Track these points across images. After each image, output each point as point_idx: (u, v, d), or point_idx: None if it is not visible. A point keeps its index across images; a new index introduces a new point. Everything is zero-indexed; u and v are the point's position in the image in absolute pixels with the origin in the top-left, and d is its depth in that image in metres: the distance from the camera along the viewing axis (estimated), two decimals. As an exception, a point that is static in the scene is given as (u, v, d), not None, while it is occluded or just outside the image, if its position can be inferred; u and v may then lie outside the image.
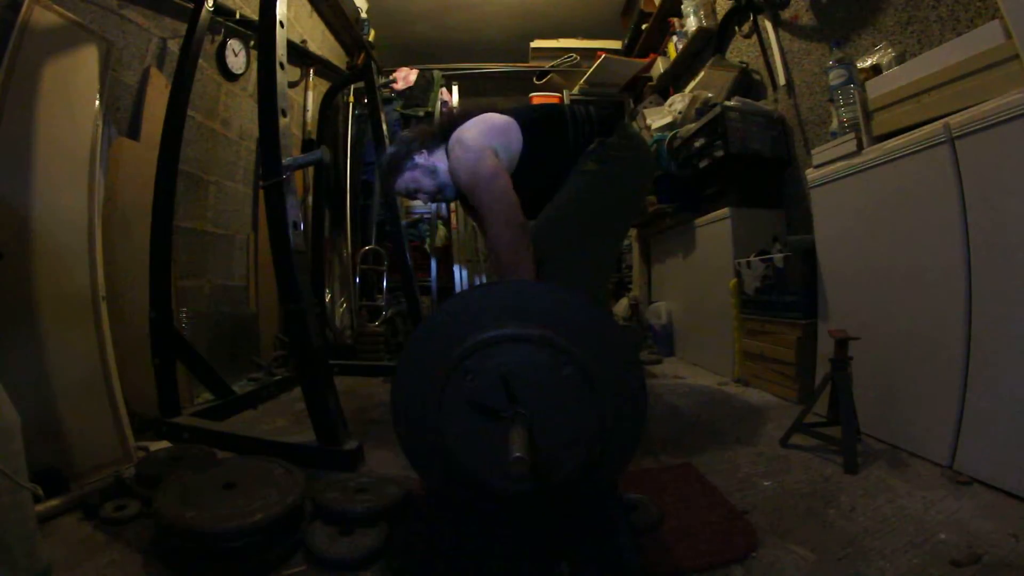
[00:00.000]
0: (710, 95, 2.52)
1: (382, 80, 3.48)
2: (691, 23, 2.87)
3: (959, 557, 0.81)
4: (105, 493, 1.06)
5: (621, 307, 3.30)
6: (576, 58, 4.07)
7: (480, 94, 4.37)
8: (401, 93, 3.77)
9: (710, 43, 2.83)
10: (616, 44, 4.13)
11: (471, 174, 1.24)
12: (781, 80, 2.22)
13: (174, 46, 1.90)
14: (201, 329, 2.04)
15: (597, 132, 1.34)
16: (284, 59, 1.33)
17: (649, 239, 3.31)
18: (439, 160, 1.39)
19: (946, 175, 1.15)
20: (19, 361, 1.10)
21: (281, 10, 1.33)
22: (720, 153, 2.16)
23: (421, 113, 3.86)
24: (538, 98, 3.98)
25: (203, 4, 1.67)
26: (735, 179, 2.20)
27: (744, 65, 2.52)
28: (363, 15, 3.69)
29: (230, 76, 2.33)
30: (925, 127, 1.21)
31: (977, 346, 1.10)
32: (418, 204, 3.98)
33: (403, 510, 0.98)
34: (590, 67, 3.81)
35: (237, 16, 2.19)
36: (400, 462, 1.32)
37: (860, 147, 1.43)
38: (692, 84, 2.76)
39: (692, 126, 2.43)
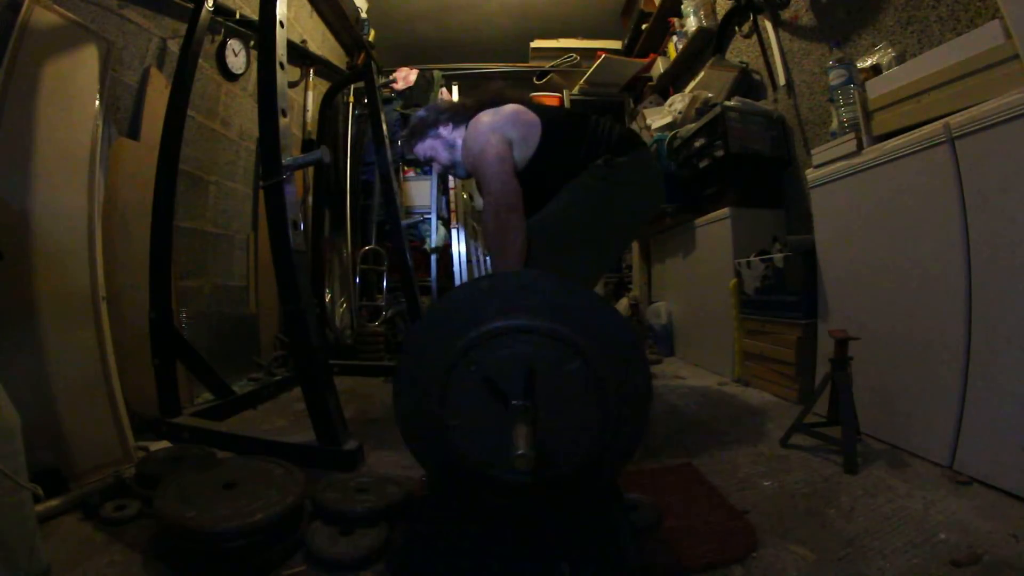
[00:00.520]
0: (710, 95, 2.52)
1: (382, 80, 3.48)
2: (691, 23, 2.88)
3: (959, 557, 0.81)
4: (105, 493, 1.06)
5: (621, 307, 3.30)
6: (576, 58, 4.07)
7: (480, 94, 4.36)
8: (401, 93, 3.77)
9: (710, 43, 2.83)
10: (616, 44, 4.13)
11: (479, 151, 1.28)
12: (781, 80, 2.22)
13: (174, 46, 1.90)
14: (201, 329, 2.04)
15: (610, 150, 1.33)
16: (284, 59, 1.33)
17: (649, 239, 3.31)
18: (460, 137, 1.43)
19: (946, 175, 1.15)
20: (19, 361, 1.10)
21: (281, 10, 1.33)
22: (720, 153, 2.16)
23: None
24: (538, 98, 3.98)
25: (203, 4, 1.67)
26: (735, 179, 2.20)
27: (744, 65, 2.52)
28: (363, 15, 3.69)
29: (230, 76, 2.33)
30: (925, 127, 1.21)
31: (977, 346, 1.10)
32: (418, 204, 3.99)
33: (403, 510, 0.98)
34: (590, 67, 3.81)
35: (237, 16, 2.19)
36: (400, 462, 1.32)
37: (860, 147, 1.43)
38: (692, 84, 2.76)
39: (692, 126, 2.43)
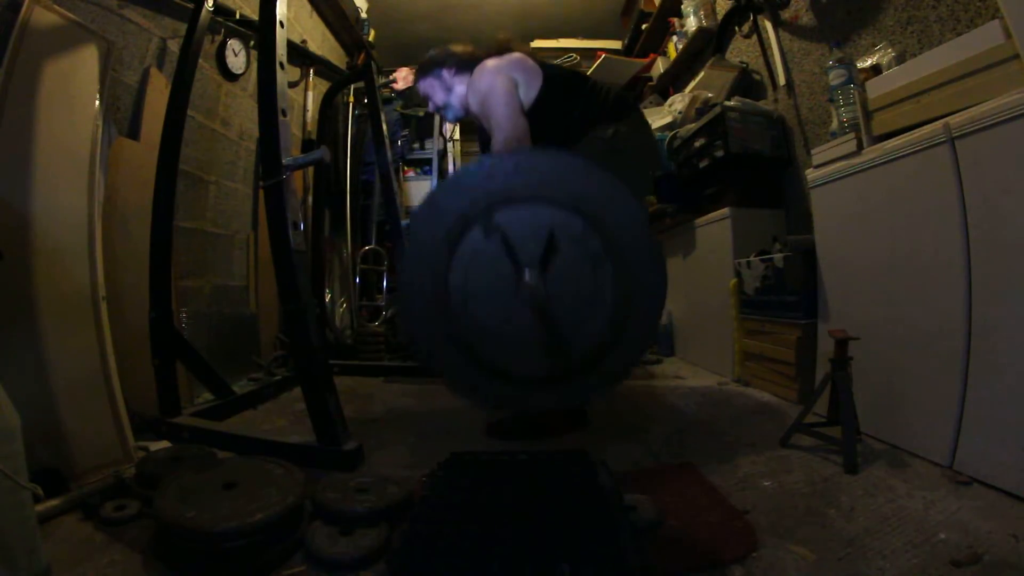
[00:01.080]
0: (710, 95, 2.52)
1: (382, 80, 3.48)
2: (691, 23, 2.87)
3: (959, 557, 0.81)
4: (105, 493, 1.06)
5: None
6: (576, 58, 4.06)
7: (480, 94, 4.36)
8: (401, 93, 3.77)
9: (710, 43, 2.83)
10: (616, 44, 4.13)
11: (487, 89, 1.37)
12: (781, 80, 2.22)
13: (174, 46, 1.90)
14: (201, 329, 2.04)
15: (606, 113, 1.42)
16: (284, 59, 1.33)
17: (649, 239, 3.30)
18: (459, 84, 1.53)
19: (946, 175, 1.15)
20: (19, 361, 1.10)
21: (281, 10, 1.33)
22: (720, 153, 2.16)
23: (421, 113, 3.86)
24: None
25: (203, 4, 1.67)
26: (735, 179, 2.20)
27: (744, 65, 2.52)
28: (363, 15, 3.69)
29: (230, 76, 2.33)
30: (925, 127, 1.21)
31: (977, 345, 1.10)
32: (418, 204, 3.98)
33: (403, 510, 0.98)
34: (590, 67, 3.80)
35: (237, 16, 2.19)
36: (400, 462, 1.32)
37: (860, 147, 1.43)
38: (692, 84, 2.76)
39: (692, 126, 2.43)
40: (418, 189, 4.03)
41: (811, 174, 1.64)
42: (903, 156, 1.27)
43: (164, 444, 1.37)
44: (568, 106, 1.44)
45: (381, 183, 2.90)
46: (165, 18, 1.91)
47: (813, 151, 1.67)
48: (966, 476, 1.07)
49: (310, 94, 3.08)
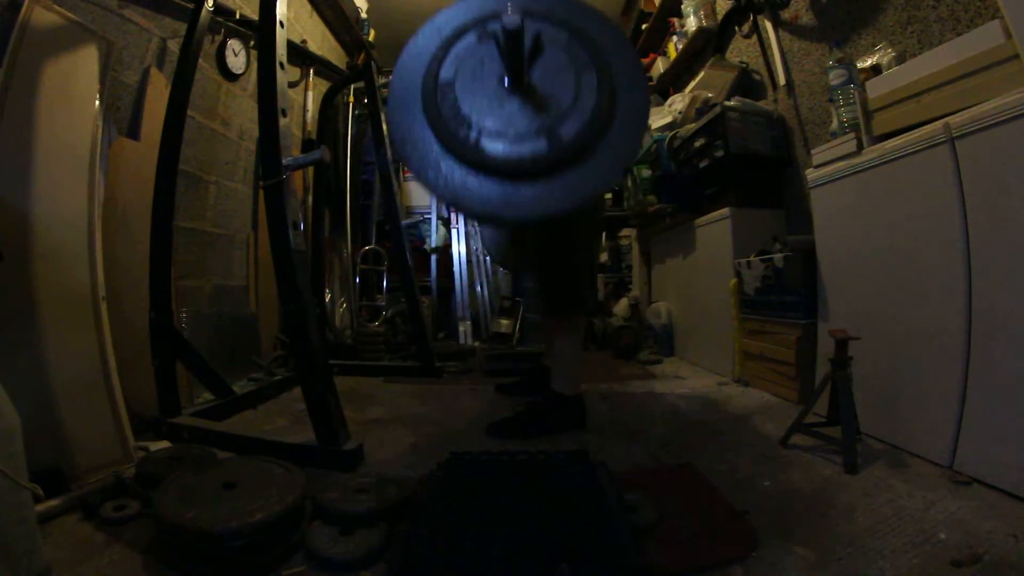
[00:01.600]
0: (710, 95, 2.52)
1: (382, 80, 3.47)
2: (691, 23, 2.88)
3: (959, 557, 0.81)
4: (105, 493, 1.06)
5: (621, 307, 3.30)
6: (576, 58, 4.06)
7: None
8: (401, 93, 3.76)
9: (710, 43, 2.83)
10: (616, 44, 4.12)
11: None
12: (781, 80, 2.22)
13: (174, 46, 1.90)
14: (201, 329, 2.04)
15: None
16: (284, 59, 1.33)
17: (649, 239, 3.31)
18: None
19: (946, 175, 1.15)
20: (19, 361, 1.10)
21: (281, 10, 1.33)
22: (720, 153, 2.16)
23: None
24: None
25: (203, 4, 1.67)
26: (735, 179, 2.20)
27: (744, 65, 2.52)
28: (363, 15, 3.69)
29: (230, 76, 2.33)
30: (925, 127, 1.21)
31: (977, 346, 1.10)
32: (418, 204, 3.99)
33: (403, 510, 0.98)
34: (590, 67, 3.80)
35: (237, 16, 2.19)
36: (400, 462, 1.32)
37: (860, 147, 1.44)
38: (692, 84, 2.76)
39: (692, 126, 2.43)
40: (418, 189, 4.03)
41: (811, 174, 1.64)
42: (903, 156, 1.27)
43: (164, 444, 1.37)
44: None
45: (381, 183, 2.91)
46: (165, 18, 1.91)
47: (813, 151, 1.68)
48: (966, 476, 1.07)
49: (310, 94, 3.08)
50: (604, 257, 4.05)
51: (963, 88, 1.16)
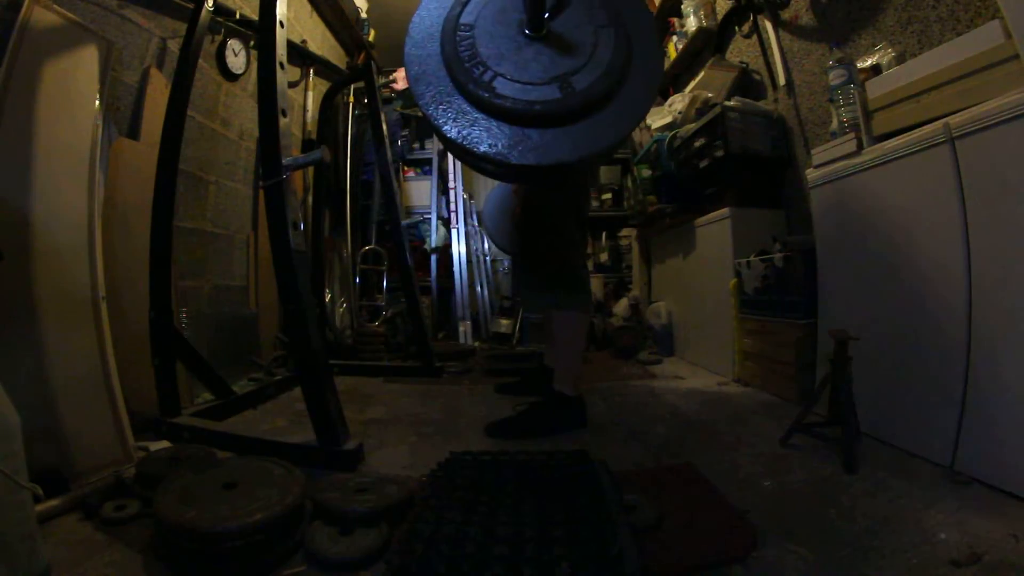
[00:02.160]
0: (710, 95, 2.52)
1: (382, 80, 3.48)
2: (691, 23, 2.87)
3: (959, 557, 0.81)
4: (105, 493, 1.06)
5: (621, 307, 3.30)
6: (576, 58, 4.06)
7: (480, 94, 4.36)
8: (401, 93, 3.77)
9: (710, 43, 2.83)
10: (616, 44, 4.12)
11: None
12: (781, 80, 2.22)
13: (174, 46, 1.90)
14: (201, 329, 2.04)
15: None
16: (284, 59, 1.33)
17: (649, 239, 3.31)
18: None
19: (946, 175, 1.15)
20: (19, 361, 1.10)
21: (281, 10, 1.33)
22: (720, 153, 2.16)
23: (420, 113, 3.86)
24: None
25: (203, 4, 1.67)
26: (735, 179, 2.20)
27: (744, 65, 2.52)
28: (363, 15, 3.69)
29: (230, 76, 2.33)
30: (925, 127, 1.21)
31: (977, 346, 1.10)
32: (418, 204, 3.99)
33: (403, 510, 0.98)
34: (590, 67, 3.80)
35: (237, 16, 2.19)
36: (400, 462, 1.32)
37: (860, 147, 1.43)
38: (692, 84, 2.76)
39: (692, 126, 2.43)
40: (418, 189, 4.03)
41: (811, 174, 1.64)
42: (903, 156, 1.27)
43: (164, 444, 1.37)
44: None
45: (381, 183, 2.91)
46: (165, 18, 1.91)
47: (813, 151, 1.68)
48: (966, 476, 1.07)
49: (310, 94, 3.08)
50: (604, 257, 4.05)
51: (963, 88, 1.16)
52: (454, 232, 3.80)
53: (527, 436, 1.49)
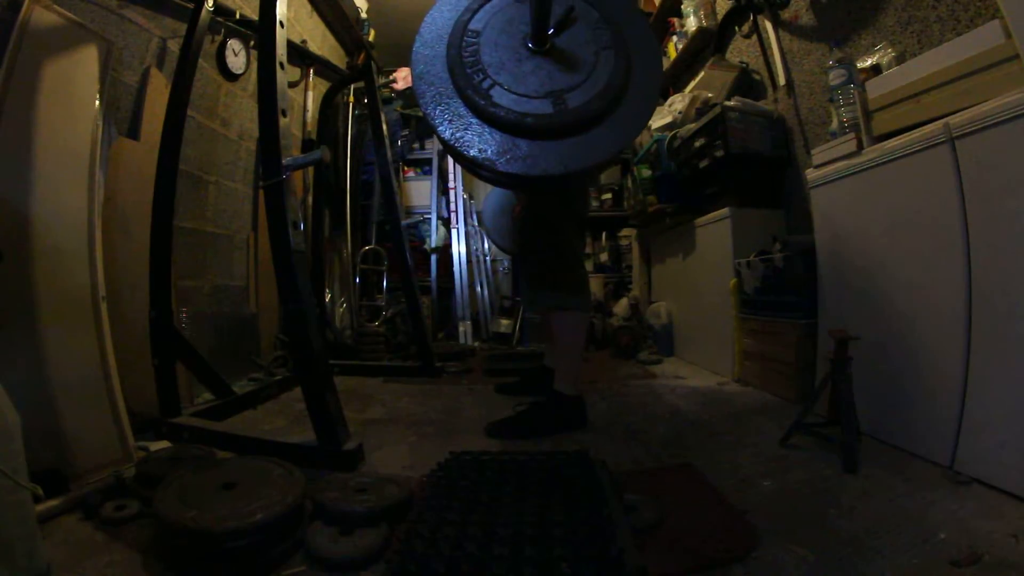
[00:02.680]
0: (710, 95, 2.52)
1: (382, 80, 3.48)
2: (691, 23, 2.87)
3: (959, 557, 0.81)
4: (105, 493, 1.06)
5: (621, 307, 3.30)
6: (576, 58, 4.06)
7: (480, 94, 4.37)
8: (401, 93, 3.77)
9: (710, 43, 2.83)
10: (616, 44, 4.12)
11: None
12: (781, 80, 2.22)
13: (174, 46, 1.90)
14: (201, 329, 2.04)
15: None
16: (284, 59, 1.33)
17: (649, 239, 3.31)
18: None
19: (946, 175, 1.15)
20: (19, 361, 1.10)
21: (281, 10, 1.33)
22: (720, 153, 2.16)
23: (421, 113, 3.86)
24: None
25: (203, 4, 1.67)
26: (735, 179, 2.20)
27: (744, 65, 2.52)
28: (363, 15, 3.69)
29: (230, 76, 2.33)
30: (925, 127, 1.21)
31: (977, 346, 1.10)
32: (418, 204, 4.00)
33: (403, 510, 0.98)
34: (590, 67, 3.80)
35: (237, 16, 2.19)
36: (400, 462, 1.32)
37: (860, 147, 1.43)
38: (692, 84, 2.76)
39: (692, 126, 2.43)
40: (418, 189, 4.03)
41: (811, 174, 1.64)
42: (903, 156, 1.27)
43: (164, 444, 1.37)
44: None
45: (381, 183, 2.90)
46: (165, 18, 1.91)
47: (813, 151, 1.68)
48: (966, 476, 1.07)
49: (310, 94, 3.08)
50: (604, 257, 4.05)
51: (963, 88, 1.16)
52: (454, 232, 3.80)
53: (527, 436, 1.49)
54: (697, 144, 2.34)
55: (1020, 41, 1.05)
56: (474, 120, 0.91)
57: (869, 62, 1.56)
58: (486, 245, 4.12)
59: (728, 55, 2.69)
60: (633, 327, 3.03)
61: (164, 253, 1.57)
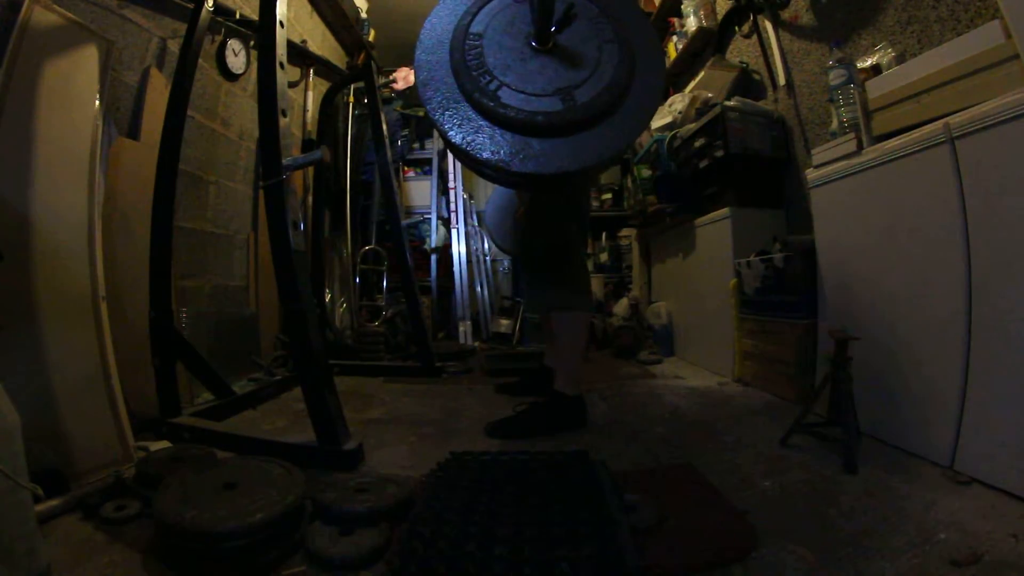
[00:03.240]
0: (710, 95, 2.52)
1: (382, 80, 3.48)
2: (691, 23, 2.87)
3: (959, 557, 0.81)
4: (105, 493, 1.06)
5: (621, 307, 3.30)
6: (576, 58, 4.06)
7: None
8: (401, 93, 3.77)
9: (710, 43, 2.83)
10: (616, 44, 4.12)
11: None
12: (781, 80, 2.22)
13: (174, 46, 1.90)
14: (201, 329, 2.04)
15: None
16: (284, 59, 1.33)
17: (649, 239, 3.31)
18: None
19: (946, 175, 1.15)
20: (19, 361, 1.10)
21: (281, 10, 1.33)
22: (720, 153, 2.16)
23: (421, 113, 3.87)
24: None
25: (203, 4, 1.67)
26: (735, 179, 2.20)
27: (744, 65, 2.52)
28: (363, 15, 3.69)
29: (230, 76, 2.33)
30: (925, 127, 1.21)
31: (977, 346, 1.10)
32: (418, 204, 4.00)
33: (403, 510, 0.98)
34: (590, 67, 3.80)
35: (237, 16, 2.19)
36: (400, 462, 1.32)
37: (860, 147, 1.43)
38: (692, 84, 2.76)
39: (692, 126, 2.43)
40: (418, 189, 4.04)
41: (811, 174, 1.64)
42: (903, 156, 1.27)
43: (164, 444, 1.37)
44: None
45: (381, 183, 2.91)
46: (165, 18, 1.91)
47: (813, 151, 1.67)
48: (966, 476, 1.07)
49: (310, 94, 3.08)
50: (604, 257, 4.05)
51: (963, 88, 1.16)
52: (454, 232, 3.80)
53: (527, 436, 1.49)
54: (697, 144, 2.34)
55: (1020, 41, 1.05)
56: (484, 123, 0.91)
57: (869, 62, 1.56)
58: (486, 245, 4.12)
59: (728, 55, 2.69)
60: (633, 327, 3.03)
61: (164, 253, 1.57)
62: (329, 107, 3.03)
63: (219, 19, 2.14)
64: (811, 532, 0.92)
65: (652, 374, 2.43)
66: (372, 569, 0.84)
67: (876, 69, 1.53)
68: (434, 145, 3.99)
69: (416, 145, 4.13)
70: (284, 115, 1.31)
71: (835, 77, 1.59)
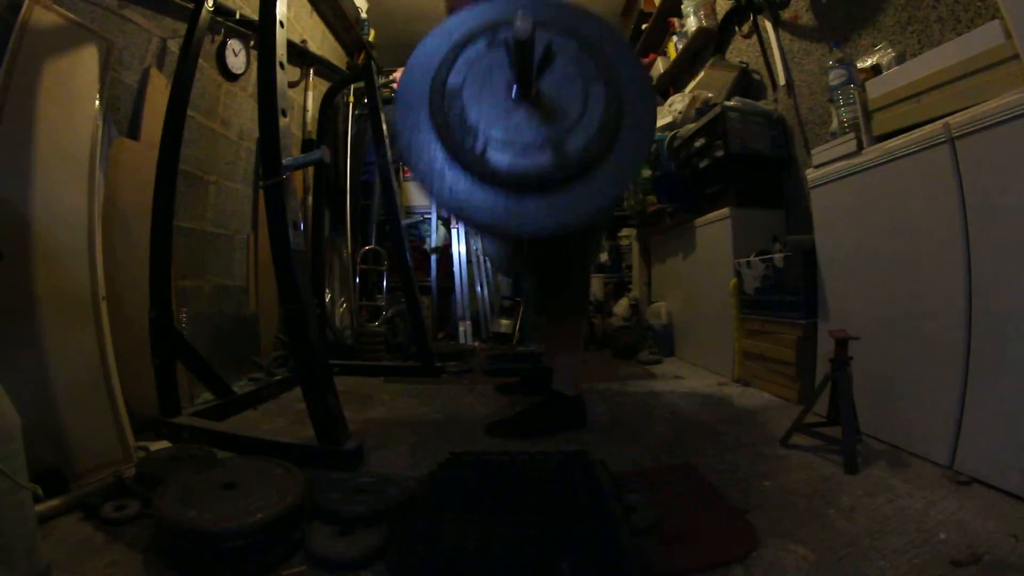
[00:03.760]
0: (710, 95, 2.52)
1: (382, 80, 3.47)
2: (691, 23, 2.88)
3: (959, 557, 0.81)
4: (105, 493, 1.06)
5: (621, 307, 3.30)
6: (576, 58, 4.06)
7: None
8: (401, 93, 3.76)
9: (710, 43, 2.83)
10: (616, 44, 4.12)
11: None
12: (781, 80, 2.22)
13: (174, 46, 1.90)
14: (201, 329, 2.04)
15: None
16: (284, 59, 1.33)
17: (649, 239, 3.31)
18: None
19: (946, 175, 1.15)
20: (19, 361, 1.10)
21: (281, 10, 1.32)
22: (720, 153, 2.16)
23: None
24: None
25: (203, 4, 1.67)
26: (735, 179, 2.20)
27: (744, 65, 2.52)
28: (363, 15, 3.69)
29: (230, 76, 2.33)
30: (925, 127, 1.21)
31: (977, 346, 1.10)
32: (418, 204, 3.99)
33: (403, 510, 0.97)
34: (590, 67, 3.80)
35: (237, 16, 2.19)
36: (400, 462, 1.32)
37: (860, 147, 1.44)
38: (692, 84, 2.76)
39: (692, 126, 2.43)
40: (418, 189, 4.03)
41: (811, 174, 1.64)
42: (903, 156, 1.27)
43: (164, 444, 1.37)
44: None
45: (381, 183, 2.90)
46: (165, 18, 1.91)
47: (813, 151, 1.68)
48: (966, 476, 1.08)
49: (310, 94, 3.08)
50: (604, 257, 4.05)
51: (963, 88, 1.16)
52: (454, 232, 3.80)
53: (527, 436, 1.49)
54: (697, 144, 2.34)
55: (1020, 41, 1.05)
56: (477, 187, 0.85)
57: (869, 62, 1.56)
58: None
59: (728, 55, 2.69)
60: (633, 327, 3.03)
61: (164, 253, 1.57)
62: (329, 107, 3.02)
63: (219, 19, 2.14)
64: (811, 532, 0.92)
65: (652, 374, 2.43)
66: (372, 569, 0.84)
67: (876, 69, 1.53)
68: (434, 145, 3.98)
69: (416, 145, 4.13)
70: (284, 115, 1.31)
71: (835, 77, 1.59)
